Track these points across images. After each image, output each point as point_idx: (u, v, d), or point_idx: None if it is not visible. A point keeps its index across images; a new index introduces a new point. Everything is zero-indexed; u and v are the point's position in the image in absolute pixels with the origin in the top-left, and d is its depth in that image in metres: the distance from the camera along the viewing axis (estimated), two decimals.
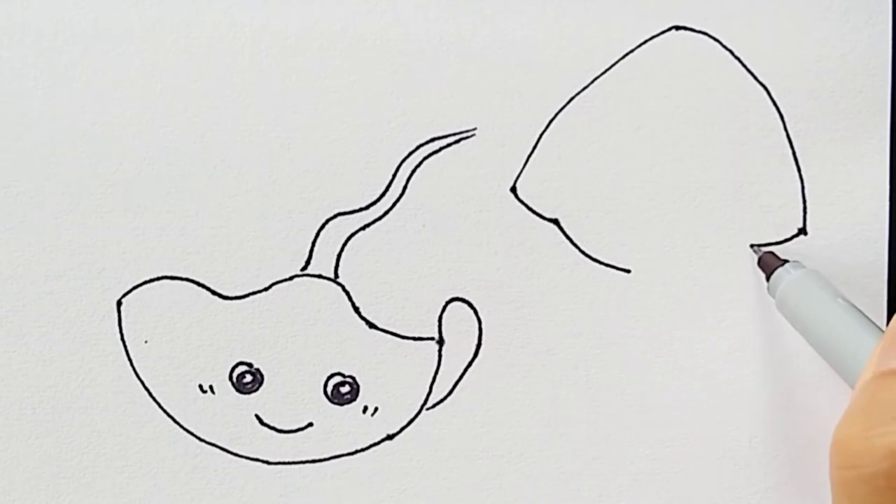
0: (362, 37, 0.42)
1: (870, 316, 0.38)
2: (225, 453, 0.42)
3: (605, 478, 0.42)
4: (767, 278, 0.41)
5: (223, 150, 0.42)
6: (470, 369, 0.42)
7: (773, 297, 0.40)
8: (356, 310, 0.42)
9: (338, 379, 0.42)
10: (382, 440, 0.42)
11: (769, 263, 0.41)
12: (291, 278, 0.42)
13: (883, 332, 0.36)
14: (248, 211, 0.42)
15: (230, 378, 0.42)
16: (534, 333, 0.42)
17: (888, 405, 0.31)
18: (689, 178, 0.42)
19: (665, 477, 0.42)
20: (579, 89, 0.42)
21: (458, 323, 0.42)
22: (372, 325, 0.42)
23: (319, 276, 0.42)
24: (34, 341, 0.42)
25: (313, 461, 0.42)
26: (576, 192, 0.42)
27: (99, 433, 0.42)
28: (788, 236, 0.42)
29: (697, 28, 0.42)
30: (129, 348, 0.42)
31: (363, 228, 0.42)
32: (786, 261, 0.40)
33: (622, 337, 0.42)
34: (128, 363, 0.42)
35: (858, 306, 0.38)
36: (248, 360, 0.42)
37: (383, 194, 0.42)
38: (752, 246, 0.42)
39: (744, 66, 0.42)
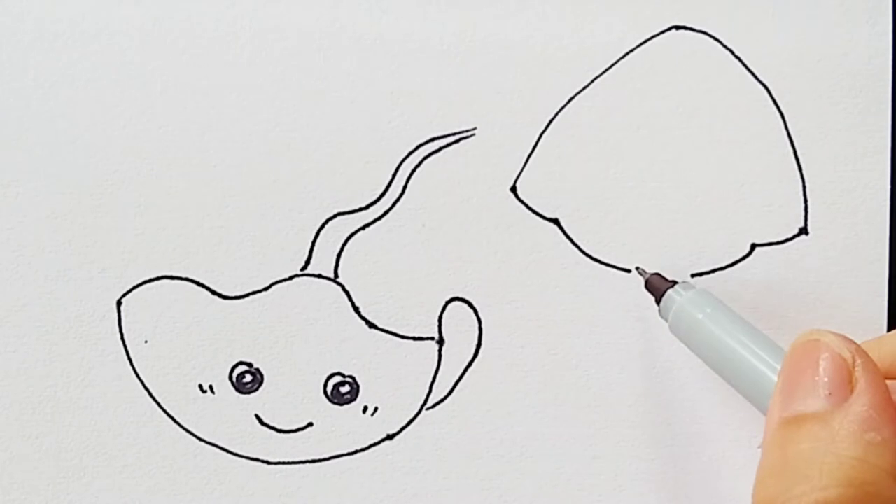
0: (362, 37, 0.42)
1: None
2: (225, 453, 0.42)
3: (605, 478, 0.42)
4: (657, 301, 0.40)
5: (223, 150, 0.42)
6: (470, 369, 0.42)
7: (666, 320, 0.40)
8: (356, 310, 0.42)
9: (338, 379, 0.42)
10: (382, 440, 0.42)
11: (657, 286, 0.40)
12: (291, 278, 0.42)
13: (783, 349, 0.36)
14: (248, 211, 0.42)
15: (230, 378, 0.42)
16: (534, 333, 0.42)
17: (798, 461, 0.31)
18: (689, 178, 0.42)
19: (665, 477, 0.42)
20: (579, 89, 0.42)
21: (458, 323, 0.42)
22: (372, 325, 0.42)
23: (319, 276, 0.42)
24: (34, 341, 0.42)
25: (313, 461, 0.42)
26: (576, 192, 0.42)
27: (99, 433, 0.42)
28: (790, 236, 0.42)
29: (697, 28, 0.42)
30: (129, 348, 0.42)
31: (363, 228, 0.42)
32: (674, 282, 0.40)
33: (622, 337, 0.42)
34: (128, 363, 0.42)
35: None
36: (248, 360, 0.42)
37: (383, 194, 0.42)
38: (637, 268, 0.42)
39: (744, 65, 0.42)
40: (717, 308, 0.39)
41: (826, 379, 0.32)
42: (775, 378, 0.35)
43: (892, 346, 0.36)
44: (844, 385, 0.32)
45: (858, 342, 0.33)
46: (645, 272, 0.41)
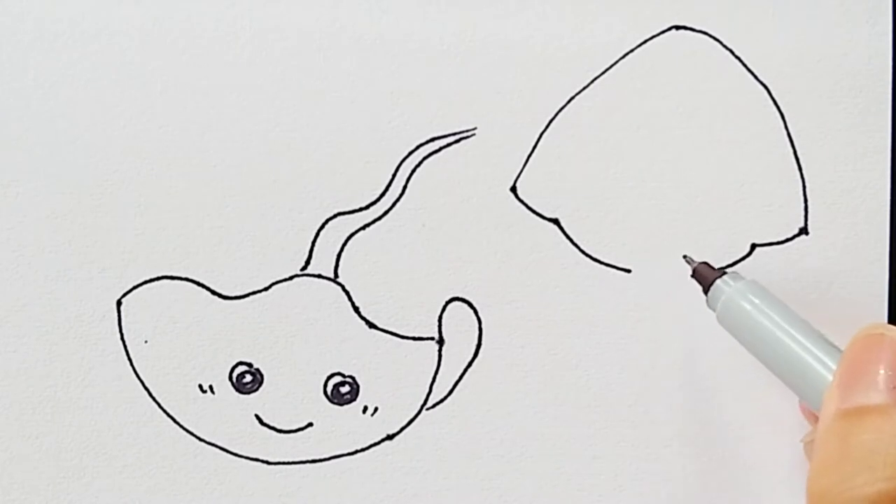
0: (362, 37, 0.42)
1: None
2: (225, 453, 0.42)
3: (605, 478, 0.42)
4: (705, 291, 0.40)
5: (223, 150, 0.42)
6: (470, 369, 0.42)
7: (714, 309, 0.39)
8: (356, 310, 0.42)
9: (338, 379, 0.42)
10: (382, 440, 0.42)
11: (705, 275, 0.40)
12: (291, 278, 0.42)
13: (833, 346, 0.36)
14: (248, 211, 0.42)
15: (230, 378, 0.42)
16: (534, 333, 0.42)
17: (860, 451, 0.31)
18: (689, 178, 0.42)
19: (665, 477, 0.42)
20: (579, 89, 0.42)
21: (458, 323, 0.42)
22: (372, 325, 0.42)
23: (319, 276, 0.42)
24: (34, 341, 0.42)
25: (313, 461, 0.42)
26: (576, 192, 0.42)
27: (99, 433, 0.42)
28: (790, 236, 0.42)
29: (697, 28, 0.42)
30: (129, 348, 0.42)
31: (363, 228, 0.42)
32: (723, 271, 0.40)
33: (622, 337, 0.42)
34: (128, 363, 0.42)
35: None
36: (248, 360, 0.42)
37: (383, 194, 0.42)
38: (684, 256, 0.41)
39: (744, 65, 0.42)
40: (767, 299, 0.38)
41: (890, 373, 0.32)
42: (825, 371, 0.35)
43: None
44: None
45: None
46: (693, 261, 0.41)
